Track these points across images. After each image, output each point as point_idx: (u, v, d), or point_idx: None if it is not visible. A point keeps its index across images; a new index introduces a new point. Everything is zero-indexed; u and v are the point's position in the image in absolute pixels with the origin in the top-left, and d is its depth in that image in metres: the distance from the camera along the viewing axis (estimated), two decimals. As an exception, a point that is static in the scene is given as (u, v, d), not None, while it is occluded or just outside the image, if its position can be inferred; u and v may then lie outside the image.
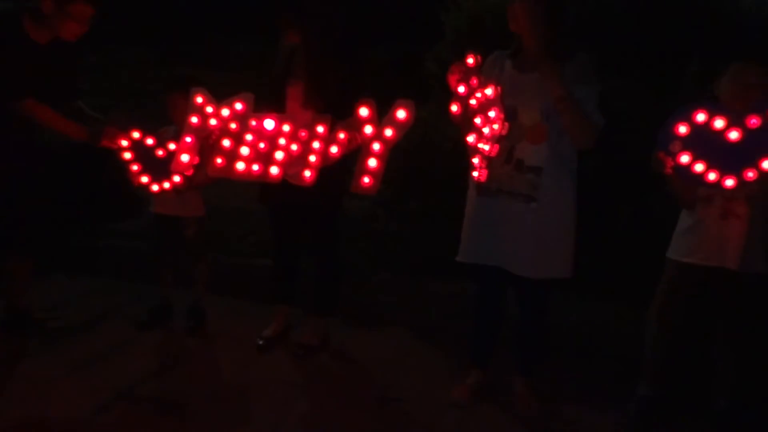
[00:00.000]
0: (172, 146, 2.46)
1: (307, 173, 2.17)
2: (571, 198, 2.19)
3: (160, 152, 2.47)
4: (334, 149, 2.17)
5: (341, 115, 2.17)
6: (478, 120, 2.04)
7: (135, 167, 2.48)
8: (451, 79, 2.03)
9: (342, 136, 2.14)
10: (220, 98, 2.26)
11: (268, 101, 2.35)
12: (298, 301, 2.87)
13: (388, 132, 2.08)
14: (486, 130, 2.06)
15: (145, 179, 2.49)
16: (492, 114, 2.06)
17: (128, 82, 8.63)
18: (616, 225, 3.05)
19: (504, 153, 2.16)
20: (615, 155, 2.99)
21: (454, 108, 2.03)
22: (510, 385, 2.43)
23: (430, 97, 3.88)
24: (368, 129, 2.09)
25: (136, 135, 2.46)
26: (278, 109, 2.37)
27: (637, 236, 2.96)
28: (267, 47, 2.80)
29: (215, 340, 2.84)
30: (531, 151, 2.12)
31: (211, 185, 2.64)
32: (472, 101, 2.02)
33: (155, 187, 2.49)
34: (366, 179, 2.09)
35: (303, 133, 2.18)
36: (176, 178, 2.50)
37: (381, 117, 2.08)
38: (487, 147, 2.08)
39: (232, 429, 2.20)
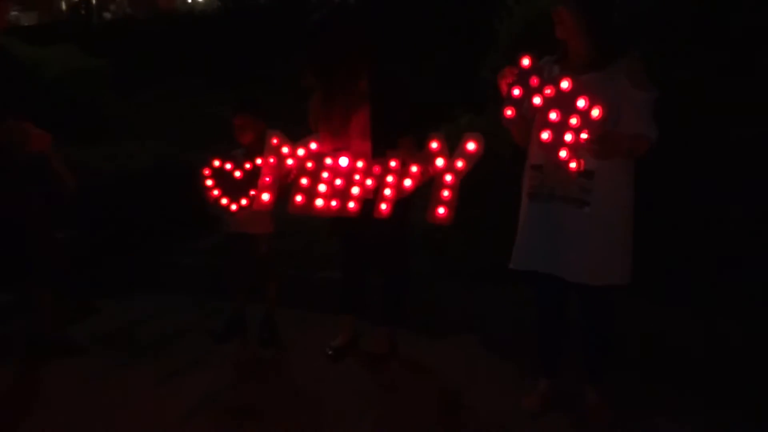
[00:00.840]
0: (247, 166, 2.61)
1: (383, 206, 2.25)
2: (627, 202, 2.14)
3: (237, 174, 2.62)
4: (407, 182, 2.25)
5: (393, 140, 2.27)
6: (553, 115, 1.98)
7: (216, 192, 2.64)
8: (503, 83, 2.05)
9: (414, 169, 2.23)
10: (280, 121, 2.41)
11: (330, 128, 2.46)
12: (366, 311, 2.95)
13: (459, 164, 2.17)
14: (574, 121, 1.97)
15: (225, 201, 2.65)
16: (581, 103, 1.96)
17: (187, 108, 9.16)
18: (681, 226, 2.95)
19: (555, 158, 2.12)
20: (676, 155, 2.90)
21: (508, 112, 2.03)
22: (582, 394, 2.39)
23: (487, 105, 3.90)
24: (440, 161, 2.18)
25: (216, 163, 2.63)
26: (340, 135, 2.47)
27: (702, 238, 2.85)
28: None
29: (287, 350, 2.96)
30: (582, 155, 2.06)
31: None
32: (536, 100, 1.99)
33: (234, 207, 2.64)
34: (441, 210, 2.17)
35: (376, 168, 2.27)
36: (243, 202, 2.64)
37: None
38: (569, 137, 1.98)
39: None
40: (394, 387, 2.63)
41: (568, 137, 1.98)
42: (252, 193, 2.60)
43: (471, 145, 2.16)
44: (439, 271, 3.40)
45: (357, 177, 2.30)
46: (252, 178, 2.60)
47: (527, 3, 3.88)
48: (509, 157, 3.22)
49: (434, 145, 2.19)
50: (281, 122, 2.69)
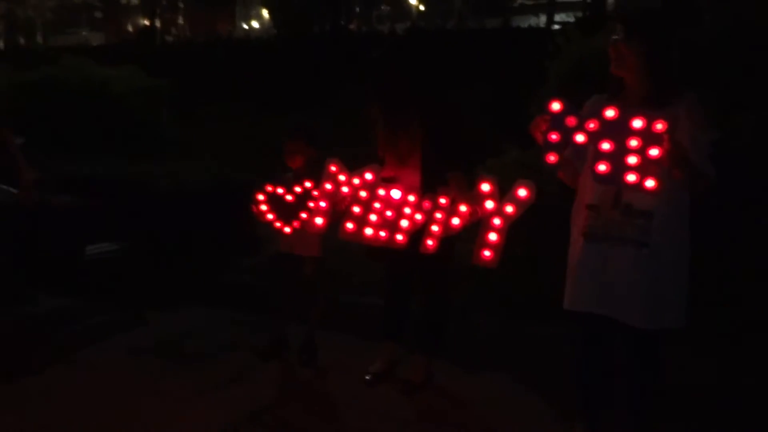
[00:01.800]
0: (297, 189, 2.72)
1: (430, 242, 2.31)
2: (685, 242, 2.10)
3: (288, 197, 2.73)
4: (455, 221, 2.29)
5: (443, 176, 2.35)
6: (606, 145, 1.93)
7: (270, 216, 2.76)
8: (537, 133, 2.03)
9: (464, 208, 2.27)
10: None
11: (384, 160, 2.58)
12: (405, 338, 2.98)
13: (509, 209, 2.18)
14: (634, 143, 1.90)
15: (278, 224, 2.76)
16: (638, 123, 1.89)
17: (240, 130, 9.53)
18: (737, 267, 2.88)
19: (610, 197, 2.09)
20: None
21: (551, 158, 2.01)
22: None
23: (533, 141, 3.93)
24: (489, 204, 2.19)
25: (269, 188, 2.75)
26: (393, 168, 2.60)
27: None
28: (360, 98, 3.02)
29: (327, 372, 3.01)
30: (640, 194, 2.02)
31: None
32: (579, 138, 1.97)
33: (287, 230, 2.75)
34: (486, 252, 2.20)
35: (426, 204, 2.33)
36: (295, 224, 2.74)
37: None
38: (634, 159, 1.92)
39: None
40: (429, 417, 2.64)
41: (633, 159, 1.92)
42: (303, 215, 2.71)
43: (522, 192, 2.17)
44: (480, 303, 3.41)
45: (407, 210, 2.36)
46: (302, 201, 2.71)
47: (578, 43, 3.93)
48: (555, 194, 3.24)
49: (486, 187, 2.21)
50: (330, 148, 2.81)
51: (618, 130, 1.94)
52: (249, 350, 3.18)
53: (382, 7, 19.50)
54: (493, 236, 2.19)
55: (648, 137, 1.90)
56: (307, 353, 3.10)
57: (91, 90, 7.86)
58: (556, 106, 1.99)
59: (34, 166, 4.87)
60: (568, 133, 1.99)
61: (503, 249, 2.24)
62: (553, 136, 1.99)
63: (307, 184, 2.69)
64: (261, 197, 2.76)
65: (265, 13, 19.30)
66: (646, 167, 1.92)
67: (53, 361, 2.97)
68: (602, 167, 1.96)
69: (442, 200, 2.31)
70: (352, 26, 15.96)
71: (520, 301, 3.39)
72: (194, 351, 3.21)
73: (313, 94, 10.64)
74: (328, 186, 2.48)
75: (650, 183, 1.93)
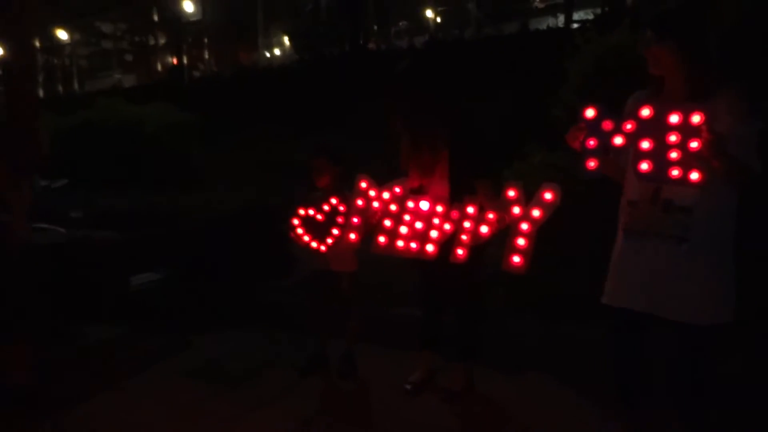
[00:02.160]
0: (325, 207, 2.79)
1: (460, 251, 2.33)
2: (729, 237, 2.04)
3: (319, 217, 2.80)
4: (484, 229, 2.31)
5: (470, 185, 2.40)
6: (645, 144, 1.93)
7: (306, 238, 2.84)
8: (575, 143, 2.04)
9: (491, 216, 2.29)
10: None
11: (412, 172, 2.63)
12: (443, 347, 2.99)
13: (536, 213, 2.20)
14: (674, 138, 1.90)
15: (314, 244, 2.83)
16: (674, 118, 1.89)
17: (269, 154, 9.75)
18: None
19: (650, 193, 2.07)
20: None
21: (591, 164, 2.01)
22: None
23: (558, 142, 3.92)
24: (516, 209, 2.22)
25: (302, 212, 2.82)
26: (421, 179, 2.65)
27: None
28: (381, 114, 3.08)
29: (367, 385, 3.04)
30: (680, 190, 2.00)
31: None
32: (617, 140, 1.98)
33: (323, 248, 2.82)
34: (516, 258, 2.21)
35: (454, 214, 2.37)
36: (329, 241, 2.80)
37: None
38: (675, 154, 1.91)
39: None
40: (472, 424, 2.63)
41: (674, 155, 1.91)
42: (335, 231, 2.77)
43: (548, 195, 2.19)
44: (514, 305, 3.39)
45: (436, 221, 2.39)
46: (332, 218, 2.78)
47: (596, 41, 3.92)
48: (583, 194, 3.22)
49: (511, 193, 2.23)
50: (356, 165, 2.87)
51: (656, 127, 1.94)
52: (290, 367, 3.24)
53: (400, 23, 19.69)
54: (521, 241, 2.20)
55: (687, 131, 1.89)
56: (347, 366, 3.14)
57: (125, 129, 8.23)
58: (590, 112, 2.01)
59: (78, 205, 5.13)
60: (605, 137, 2.00)
61: (533, 252, 2.24)
62: (591, 143, 2.01)
63: (333, 201, 2.76)
64: (296, 222, 2.84)
65: (286, 39, 19.77)
66: (688, 161, 1.91)
67: (104, 389, 3.08)
68: (644, 166, 1.97)
69: (470, 209, 2.34)
70: (371, 45, 16.16)
71: (554, 303, 3.35)
72: (238, 371, 3.28)
73: (336, 114, 10.83)
74: (359, 202, 2.54)
75: (695, 176, 1.91)
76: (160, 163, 7.88)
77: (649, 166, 1.96)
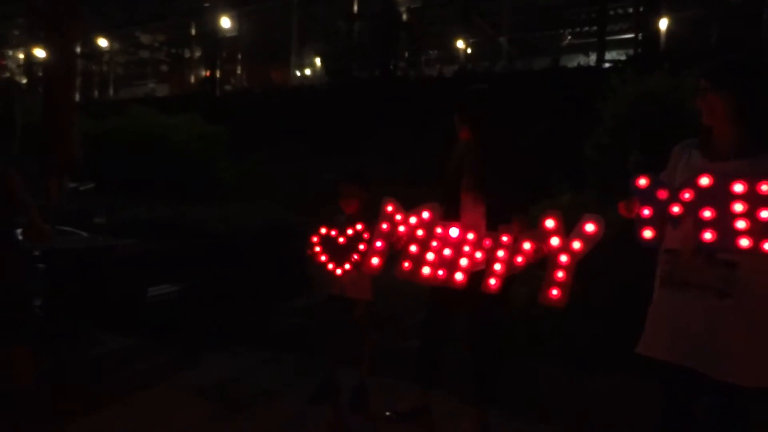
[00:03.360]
0: (349, 232, 2.75)
1: (492, 281, 2.25)
2: None
3: (341, 239, 2.77)
4: (519, 259, 2.24)
5: (510, 213, 2.30)
6: (707, 213, 1.87)
7: (323, 258, 2.80)
8: (630, 213, 2.00)
9: (527, 246, 2.21)
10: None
11: (442, 201, 2.55)
12: (443, 384, 2.93)
13: (576, 245, 2.12)
14: (739, 207, 1.84)
15: (330, 266, 2.79)
16: (739, 187, 1.84)
17: (295, 172, 9.81)
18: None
19: (692, 243, 1.97)
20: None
21: (647, 233, 1.96)
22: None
23: (588, 182, 3.85)
24: (555, 240, 2.14)
25: (323, 231, 2.79)
26: (452, 207, 2.57)
27: None
28: (414, 139, 3.08)
29: (378, 418, 2.94)
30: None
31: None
32: (675, 209, 1.93)
33: (339, 271, 2.77)
34: (554, 291, 2.12)
35: (487, 242, 2.29)
36: (347, 266, 2.76)
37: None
38: (743, 224, 1.84)
39: None
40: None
41: (742, 224, 1.84)
42: (354, 257, 2.72)
43: (590, 227, 2.11)
44: (536, 350, 3.28)
45: (467, 248, 2.31)
46: (354, 244, 2.73)
47: (633, 83, 3.87)
48: (613, 239, 3.13)
49: (550, 223, 2.16)
50: (381, 189, 2.84)
51: (716, 195, 1.88)
52: (301, 394, 3.17)
53: (430, 52, 19.87)
54: (560, 274, 2.12)
55: (754, 199, 1.83)
56: (359, 398, 3.05)
57: (154, 137, 8.34)
58: (642, 182, 1.97)
59: (102, 211, 5.17)
60: (660, 206, 1.95)
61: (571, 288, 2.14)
62: (646, 212, 1.96)
63: (359, 227, 2.73)
64: (315, 239, 2.80)
65: (317, 61, 20.09)
66: (759, 230, 1.83)
67: (110, 402, 3.04)
68: (708, 235, 1.89)
69: (504, 238, 2.26)
70: (400, 71, 16.32)
71: (578, 350, 3.24)
72: (247, 394, 3.22)
73: (362, 137, 10.88)
74: (384, 226, 2.47)
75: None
76: (186, 174, 7.95)
77: (712, 235, 1.88)
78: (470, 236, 2.32)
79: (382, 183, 3.34)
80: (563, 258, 2.13)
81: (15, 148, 7.24)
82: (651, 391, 2.93)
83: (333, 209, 3.04)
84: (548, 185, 3.97)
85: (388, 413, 2.88)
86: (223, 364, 3.66)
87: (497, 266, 2.25)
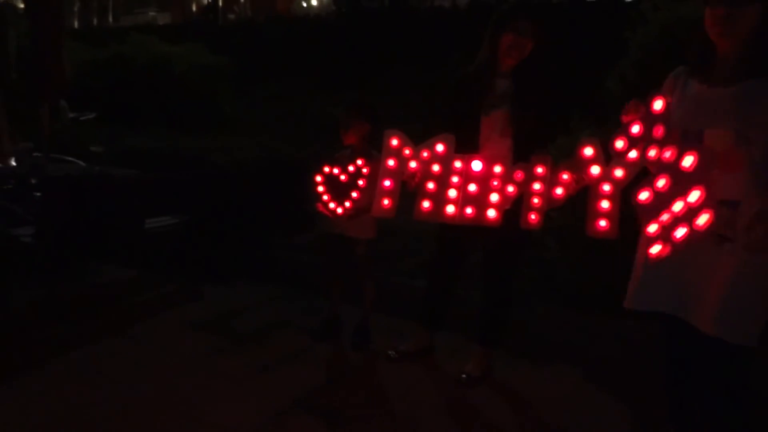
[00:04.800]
0: (350, 168, 2.59)
1: (533, 216, 2.07)
2: None
3: (342, 177, 2.61)
4: (559, 191, 2.06)
5: (539, 145, 2.13)
6: (661, 182, 1.68)
7: (326, 197, 2.65)
8: (625, 118, 1.81)
9: (566, 176, 2.04)
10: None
11: (455, 131, 2.26)
12: (459, 327, 2.84)
13: (618, 173, 1.94)
14: (679, 206, 1.66)
15: (332, 205, 2.64)
16: (689, 161, 1.65)
17: (297, 106, 9.52)
18: None
19: None
20: None
21: (619, 144, 1.79)
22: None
23: (609, 119, 3.61)
24: (595, 169, 1.96)
25: (326, 169, 2.62)
26: (468, 140, 2.34)
27: None
28: (417, 75, 2.81)
29: (379, 358, 2.89)
30: (723, 181, 1.69)
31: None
32: (651, 152, 1.75)
33: (340, 211, 2.63)
34: (602, 222, 1.95)
35: (519, 175, 2.10)
36: (347, 204, 2.60)
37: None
38: (666, 217, 1.69)
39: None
40: (489, 412, 2.47)
41: (681, 232, 1.66)
42: (353, 195, 2.57)
43: (633, 153, 1.86)
44: (544, 293, 3.19)
45: (495, 183, 2.12)
46: (355, 180, 2.57)
47: (666, 9, 3.54)
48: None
49: (588, 152, 1.97)
50: (387, 124, 2.64)
51: (683, 177, 1.67)
52: (302, 330, 3.11)
53: (444, -19, 18.88)
54: (605, 204, 1.95)
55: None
56: (360, 337, 2.99)
57: (155, 67, 8.04)
58: (658, 105, 1.77)
59: (101, 140, 5.01)
60: (648, 139, 1.77)
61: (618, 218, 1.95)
62: (635, 128, 1.78)
63: (359, 162, 2.55)
64: (319, 179, 2.65)
65: (325, -10, 19.19)
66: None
67: (109, 334, 2.99)
68: (643, 195, 1.71)
69: (540, 169, 2.06)
70: (412, 2, 15.53)
71: (586, 293, 3.13)
72: (247, 328, 3.17)
73: (369, 71, 10.47)
74: (391, 162, 2.20)
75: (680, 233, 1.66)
76: (188, 105, 7.72)
77: (647, 197, 1.71)
78: (497, 169, 2.12)
79: (391, 120, 3.14)
80: (606, 187, 1.96)
81: (10, 73, 7.00)
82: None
83: (337, 145, 2.87)
84: (566, 121, 3.74)
85: (390, 352, 2.83)
86: (225, 297, 3.61)
87: (535, 200, 2.06)
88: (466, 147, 2.25)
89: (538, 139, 2.28)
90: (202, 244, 4.07)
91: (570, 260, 3.26)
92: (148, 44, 8.64)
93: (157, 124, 6.75)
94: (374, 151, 2.57)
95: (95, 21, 24.99)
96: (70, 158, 4.43)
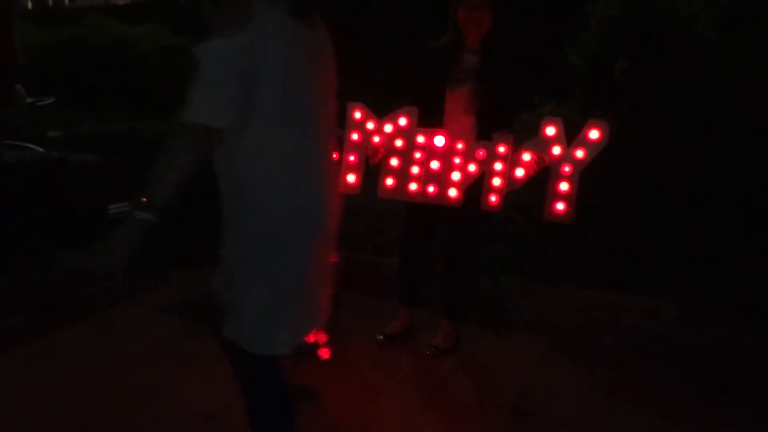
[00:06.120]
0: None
1: (493, 198, 2.06)
2: None
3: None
4: (519, 172, 2.04)
5: (503, 122, 2.12)
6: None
7: None
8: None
9: (527, 157, 2.02)
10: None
11: (420, 104, 2.23)
12: (427, 302, 2.87)
13: (579, 153, 1.94)
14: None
15: None
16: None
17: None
18: None
19: None
20: None
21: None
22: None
23: (569, 93, 3.66)
24: (556, 150, 1.96)
25: None
26: (432, 114, 2.29)
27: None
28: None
29: (346, 336, 2.91)
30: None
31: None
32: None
33: None
34: (559, 205, 1.96)
35: (481, 153, 2.07)
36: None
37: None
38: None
39: (364, 428, 2.23)
40: (457, 384, 2.52)
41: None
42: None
43: (594, 133, 1.93)
44: (510, 267, 3.24)
45: (457, 160, 2.09)
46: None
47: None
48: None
49: (551, 131, 1.97)
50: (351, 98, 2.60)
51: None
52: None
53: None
54: (564, 186, 1.96)
55: None
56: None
57: (115, 49, 7.78)
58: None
59: (59, 125, 4.86)
60: None
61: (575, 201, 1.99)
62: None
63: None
64: None
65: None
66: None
67: (75, 321, 2.95)
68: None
69: (502, 148, 2.04)
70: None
71: (557, 266, 3.20)
72: (215, 312, 3.14)
73: (343, 47, 10.32)
74: (355, 136, 2.15)
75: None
76: (150, 88, 7.52)
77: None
78: (459, 146, 2.09)
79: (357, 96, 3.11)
80: (566, 168, 1.96)
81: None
82: (625, 307, 2.94)
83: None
84: (532, 96, 3.76)
85: (378, 337, 2.80)
86: (191, 282, 3.56)
87: (496, 180, 2.04)
88: (430, 121, 2.23)
89: (502, 117, 2.25)
90: (166, 229, 4.00)
91: (535, 235, 3.33)
92: (107, 25, 8.35)
93: (119, 108, 6.57)
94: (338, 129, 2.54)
95: (50, 1, 23.98)
96: (27, 144, 4.28)
